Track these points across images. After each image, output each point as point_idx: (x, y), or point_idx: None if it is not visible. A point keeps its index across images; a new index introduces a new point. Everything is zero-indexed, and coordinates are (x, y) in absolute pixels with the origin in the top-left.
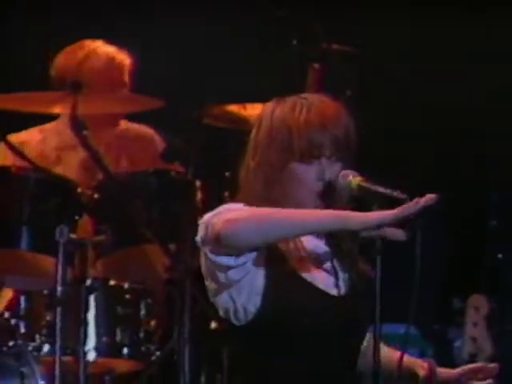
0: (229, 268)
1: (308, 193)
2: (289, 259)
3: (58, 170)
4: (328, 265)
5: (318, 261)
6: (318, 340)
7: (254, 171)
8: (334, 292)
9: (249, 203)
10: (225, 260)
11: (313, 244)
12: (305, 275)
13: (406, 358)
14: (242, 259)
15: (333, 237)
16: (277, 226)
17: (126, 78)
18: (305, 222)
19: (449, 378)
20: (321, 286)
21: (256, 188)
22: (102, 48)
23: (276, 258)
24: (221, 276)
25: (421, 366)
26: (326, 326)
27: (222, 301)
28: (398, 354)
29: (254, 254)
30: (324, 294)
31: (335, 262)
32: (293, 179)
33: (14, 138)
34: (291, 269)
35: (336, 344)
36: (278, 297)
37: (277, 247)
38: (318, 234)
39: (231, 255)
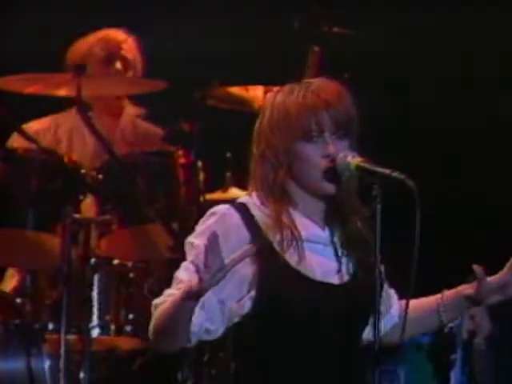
0: None
1: (315, 172)
2: (282, 252)
3: (70, 154)
4: (330, 251)
5: (316, 248)
6: (315, 329)
7: (258, 159)
8: (334, 280)
9: (258, 191)
10: None
11: (312, 231)
12: (299, 267)
13: (448, 292)
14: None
15: (336, 221)
16: (162, 329)
17: (124, 53)
18: (175, 309)
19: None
20: (317, 275)
21: (262, 175)
22: (103, 30)
23: (268, 253)
24: None
25: (467, 287)
26: (321, 316)
27: None
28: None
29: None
30: (320, 284)
31: (339, 248)
32: (298, 159)
33: (26, 127)
34: (283, 262)
35: (335, 332)
36: (271, 294)
37: (270, 241)
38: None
39: None
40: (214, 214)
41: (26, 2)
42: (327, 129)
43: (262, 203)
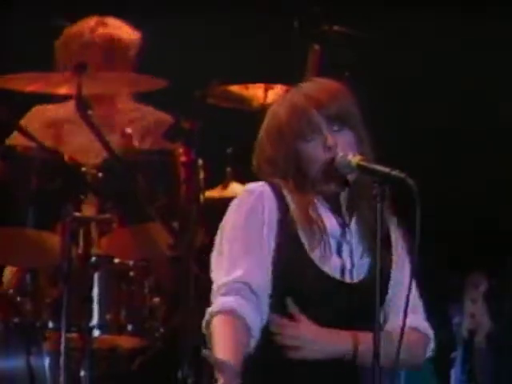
0: None
1: (319, 169)
2: (304, 240)
3: (67, 144)
4: (344, 248)
5: (336, 244)
6: (318, 324)
7: (259, 172)
8: (344, 278)
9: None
10: None
11: (331, 225)
12: (316, 258)
13: None
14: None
15: (353, 217)
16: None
17: (124, 53)
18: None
19: None
20: (331, 270)
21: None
22: (97, 21)
23: (290, 239)
24: None
25: None
26: (327, 310)
27: None
28: None
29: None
30: (330, 279)
31: (354, 246)
32: (301, 160)
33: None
34: (303, 251)
35: (336, 327)
36: (282, 277)
37: (295, 227)
38: None
39: None
40: (251, 192)
41: (26, 2)
42: (322, 125)
43: (291, 190)
